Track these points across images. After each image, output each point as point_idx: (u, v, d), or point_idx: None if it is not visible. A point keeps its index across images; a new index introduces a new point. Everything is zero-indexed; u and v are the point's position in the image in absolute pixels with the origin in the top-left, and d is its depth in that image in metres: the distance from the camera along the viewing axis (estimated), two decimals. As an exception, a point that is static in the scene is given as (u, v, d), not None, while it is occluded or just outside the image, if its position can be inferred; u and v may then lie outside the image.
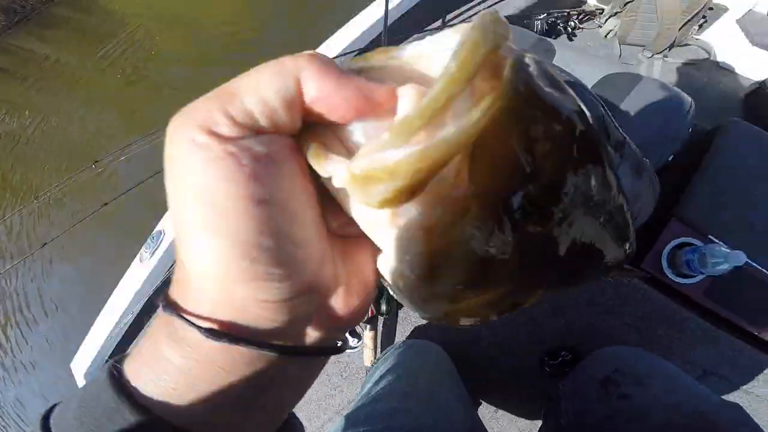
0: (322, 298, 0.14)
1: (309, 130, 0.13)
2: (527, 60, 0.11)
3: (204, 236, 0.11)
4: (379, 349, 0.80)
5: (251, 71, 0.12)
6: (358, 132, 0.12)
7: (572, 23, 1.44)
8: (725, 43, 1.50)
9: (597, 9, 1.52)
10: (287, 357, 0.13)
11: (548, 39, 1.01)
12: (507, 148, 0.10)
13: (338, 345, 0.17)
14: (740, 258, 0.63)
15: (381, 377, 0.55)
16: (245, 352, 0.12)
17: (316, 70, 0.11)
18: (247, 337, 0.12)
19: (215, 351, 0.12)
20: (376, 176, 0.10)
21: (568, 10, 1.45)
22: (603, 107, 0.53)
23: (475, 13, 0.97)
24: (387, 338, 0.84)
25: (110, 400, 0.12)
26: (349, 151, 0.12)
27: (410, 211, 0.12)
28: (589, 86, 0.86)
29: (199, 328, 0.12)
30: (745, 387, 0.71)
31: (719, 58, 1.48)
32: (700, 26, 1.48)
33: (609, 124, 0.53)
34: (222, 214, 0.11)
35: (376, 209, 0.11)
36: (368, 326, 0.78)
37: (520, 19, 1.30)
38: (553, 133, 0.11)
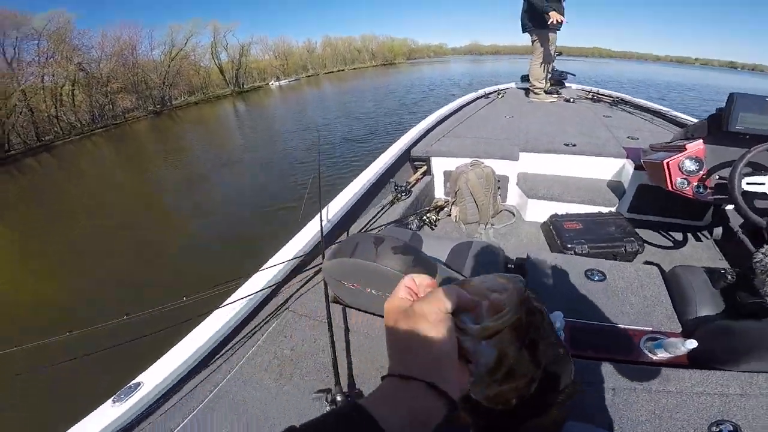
0: (455, 382, 0.29)
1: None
2: (528, 294, 0.30)
3: (435, 343, 0.28)
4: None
5: (449, 290, 0.31)
6: (466, 317, 0.30)
7: (433, 217, 2.18)
8: (516, 200, 2.36)
9: (445, 201, 2.32)
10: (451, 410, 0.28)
11: (418, 233, 1.56)
12: (520, 323, 0.29)
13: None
14: (559, 316, 0.99)
15: None
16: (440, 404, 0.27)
17: (461, 294, 0.31)
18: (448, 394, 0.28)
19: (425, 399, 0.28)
20: (487, 329, 0.29)
21: (428, 208, 2.22)
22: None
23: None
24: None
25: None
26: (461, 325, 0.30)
27: (491, 343, 0.29)
28: (445, 257, 1.36)
29: (427, 384, 0.27)
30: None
31: (515, 213, 2.30)
32: (501, 195, 2.31)
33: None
34: (444, 340, 0.29)
35: (479, 340, 0.29)
36: None
37: (401, 221, 1.95)
38: (533, 317, 0.30)
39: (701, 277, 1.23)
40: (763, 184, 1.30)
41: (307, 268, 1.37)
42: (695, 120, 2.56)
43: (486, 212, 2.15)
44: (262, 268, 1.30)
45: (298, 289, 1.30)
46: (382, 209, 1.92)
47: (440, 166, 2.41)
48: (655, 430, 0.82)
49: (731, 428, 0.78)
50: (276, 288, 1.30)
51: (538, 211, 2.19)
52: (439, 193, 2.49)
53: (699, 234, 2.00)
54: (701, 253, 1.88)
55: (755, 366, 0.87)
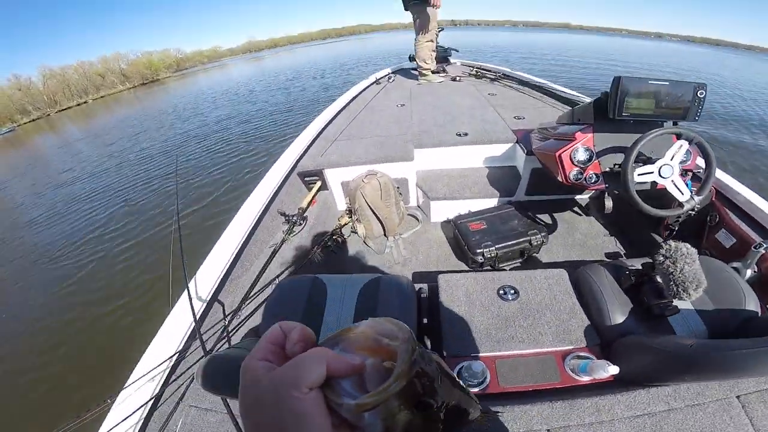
0: None
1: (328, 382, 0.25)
2: (422, 356, 0.26)
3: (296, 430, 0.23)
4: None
5: (309, 360, 0.25)
6: (346, 383, 0.25)
7: (339, 239, 1.97)
8: (420, 200, 2.29)
9: (349, 216, 2.07)
10: None
11: (319, 276, 1.32)
12: (411, 389, 0.24)
13: None
14: (479, 366, 1.06)
15: None
16: None
17: (332, 361, 0.25)
18: None
19: None
20: (361, 407, 0.23)
21: (331, 231, 1.96)
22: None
23: None
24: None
25: None
26: (340, 393, 0.25)
27: (376, 414, 0.24)
28: (354, 302, 1.23)
29: None
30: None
31: (420, 217, 2.22)
32: (404, 199, 2.19)
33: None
34: (301, 424, 0.23)
35: (359, 414, 0.24)
36: None
37: (301, 260, 1.72)
38: (427, 379, 0.26)
39: (607, 277, 1.24)
40: (652, 173, 1.32)
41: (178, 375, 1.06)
42: (579, 95, 2.75)
43: (391, 225, 1.99)
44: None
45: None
46: (273, 253, 1.58)
47: (336, 177, 2.15)
48: None
49: None
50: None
51: (443, 212, 2.14)
52: (342, 205, 2.26)
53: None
54: (599, 229, 2.02)
55: (674, 378, 0.90)
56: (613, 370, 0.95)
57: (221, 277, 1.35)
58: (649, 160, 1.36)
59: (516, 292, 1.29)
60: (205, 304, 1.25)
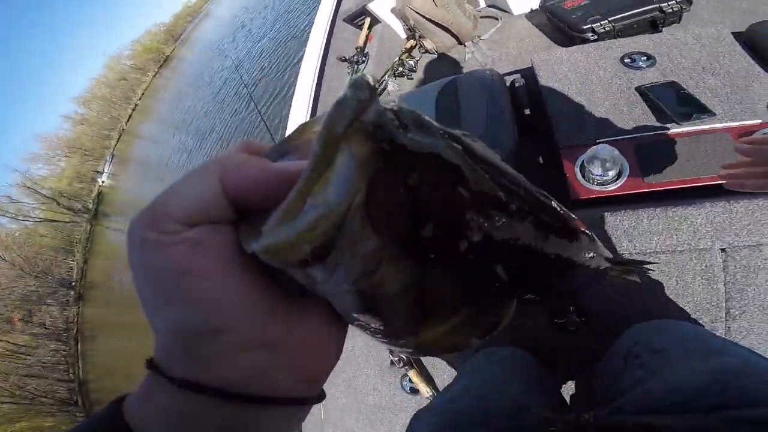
0: (279, 355, 0.15)
1: (250, 217, 0.15)
2: (390, 115, 0.12)
3: (156, 305, 0.14)
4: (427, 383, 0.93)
5: (184, 178, 0.15)
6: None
7: (410, 62, 1.78)
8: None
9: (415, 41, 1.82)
10: (256, 406, 0.15)
11: (392, 98, 1.32)
12: (390, 200, 0.12)
13: (304, 397, 0.17)
14: (604, 149, 0.80)
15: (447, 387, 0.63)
16: (215, 403, 0.14)
17: (235, 168, 0.14)
18: (211, 387, 0.14)
19: (186, 401, 0.14)
20: (272, 249, 0.12)
21: (397, 57, 1.76)
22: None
23: None
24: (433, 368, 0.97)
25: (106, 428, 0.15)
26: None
27: (333, 270, 0.13)
28: (433, 111, 1.10)
29: (170, 379, 0.14)
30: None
31: (498, 14, 1.82)
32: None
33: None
34: (165, 287, 0.14)
35: (299, 271, 0.13)
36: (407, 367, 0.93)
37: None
38: (427, 173, 0.12)
39: None
40: None
41: None
42: None
43: (463, 30, 1.68)
44: None
45: None
46: None
47: (382, 6, 1.88)
48: None
49: None
50: None
51: (527, 0, 1.70)
52: (402, 33, 2.00)
53: None
54: None
55: None
56: None
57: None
58: None
59: (650, 57, 0.98)
60: None
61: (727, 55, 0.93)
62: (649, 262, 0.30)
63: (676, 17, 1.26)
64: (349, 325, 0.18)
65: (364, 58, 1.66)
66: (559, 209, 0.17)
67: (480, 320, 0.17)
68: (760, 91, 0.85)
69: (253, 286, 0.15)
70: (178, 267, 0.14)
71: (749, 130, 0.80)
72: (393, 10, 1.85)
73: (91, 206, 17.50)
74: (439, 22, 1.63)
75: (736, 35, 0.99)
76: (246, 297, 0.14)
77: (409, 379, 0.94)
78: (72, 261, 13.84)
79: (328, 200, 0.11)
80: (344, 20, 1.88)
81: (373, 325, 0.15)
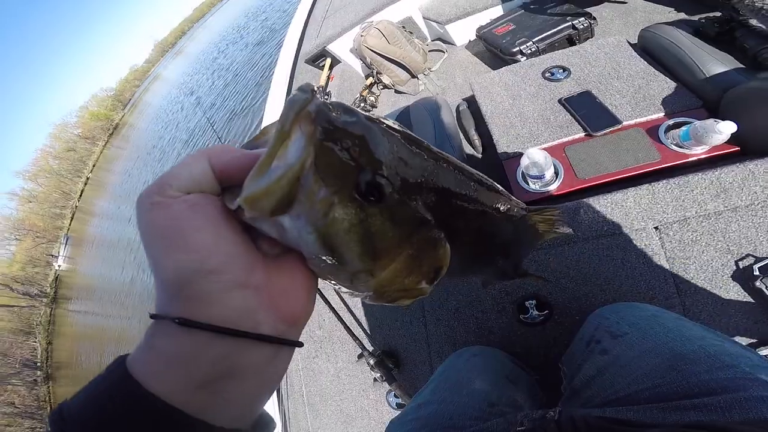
0: (261, 296, 0.19)
1: (231, 189, 0.19)
2: (326, 105, 0.17)
3: (162, 253, 0.17)
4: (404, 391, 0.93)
5: (181, 161, 0.19)
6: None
7: (371, 98, 1.95)
8: (436, 33, 2.08)
9: (373, 78, 1.98)
10: (243, 343, 0.18)
11: None
12: (331, 159, 0.17)
13: (285, 339, 0.20)
14: (537, 155, 0.89)
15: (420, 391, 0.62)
16: (206, 337, 0.17)
17: (219, 153, 0.19)
18: (206, 323, 0.17)
19: (183, 342, 0.17)
20: (250, 198, 0.17)
21: (359, 94, 1.93)
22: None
23: None
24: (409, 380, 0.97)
25: (111, 374, 0.17)
26: None
27: (297, 217, 0.17)
28: None
29: (171, 319, 0.16)
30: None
31: (443, 46, 2.04)
32: (419, 37, 1.99)
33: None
34: (169, 237, 0.17)
35: (271, 219, 0.17)
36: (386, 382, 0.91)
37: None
38: (354, 140, 0.17)
39: (681, 33, 1.02)
40: None
41: None
42: None
43: (415, 64, 1.88)
44: None
45: None
46: None
47: (341, 48, 2.05)
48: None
49: None
50: None
51: (464, 33, 1.95)
52: (363, 71, 2.18)
53: None
54: None
55: None
56: (727, 127, 0.74)
57: None
58: None
59: (565, 69, 1.14)
60: None
61: (626, 60, 1.09)
62: (554, 207, 0.32)
63: (588, 32, 1.48)
64: (320, 280, 0.22)
65: (326, 97, 1.77)
66: (458, 162, 0.21)
67: (422, 262, 0.20)
68: (657, 88, 0.99)
69: (238, 241, 0.19)
70: (179, 221, 0.17)
71: (656, 124, 0.92)
72: (351, 50, 2.02)
73: (49, 290, 16.39)
74: (393, 58, 1.82)
75: (634, 43, 1.16)
76: (233, 246, 0.18)
77: (394, 394, 0.95)
78: (34, 342, 13.57)
79: (288, 160, 0.16)
80: (306, 62, 2.03)
81: (333, 263, 0.19)
